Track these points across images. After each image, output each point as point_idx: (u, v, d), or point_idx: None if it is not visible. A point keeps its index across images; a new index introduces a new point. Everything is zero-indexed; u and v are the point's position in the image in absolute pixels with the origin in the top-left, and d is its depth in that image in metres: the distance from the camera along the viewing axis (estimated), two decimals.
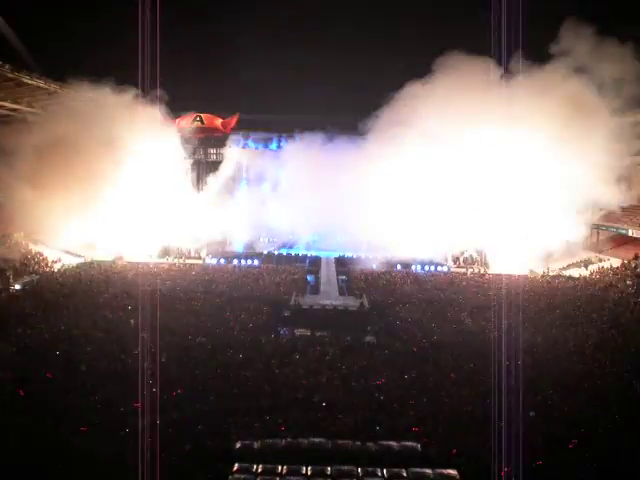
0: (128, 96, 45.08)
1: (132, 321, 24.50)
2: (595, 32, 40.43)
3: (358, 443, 14.21)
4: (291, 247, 59.15)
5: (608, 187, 41.51)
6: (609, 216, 48.98)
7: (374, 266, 49.38)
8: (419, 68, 46.25)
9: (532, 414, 15.81)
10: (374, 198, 49.20)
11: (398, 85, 46.45)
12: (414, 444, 14.27)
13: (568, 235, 43.73)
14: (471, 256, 50.59)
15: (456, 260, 50.39)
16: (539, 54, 41.70)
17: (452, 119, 43.64)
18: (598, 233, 52.21)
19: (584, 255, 48.31)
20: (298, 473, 12.83)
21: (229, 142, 59.12)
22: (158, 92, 36.21)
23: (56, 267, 43.40)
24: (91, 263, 44.84)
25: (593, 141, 41.22)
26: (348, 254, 55.04)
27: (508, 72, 41.61)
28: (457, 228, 45.40)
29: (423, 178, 46.45)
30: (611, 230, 50.51)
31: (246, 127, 59.36)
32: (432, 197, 46.74)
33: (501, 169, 43.42)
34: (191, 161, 59.52)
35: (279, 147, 61.28)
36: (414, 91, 45.60)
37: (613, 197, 42.74)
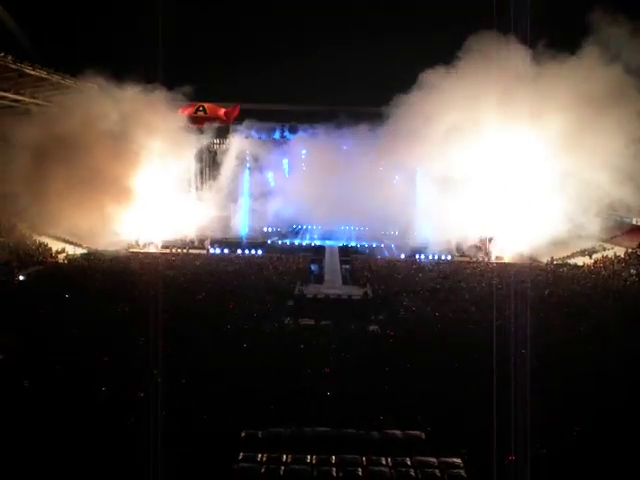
0: (135, 88, 45.24)
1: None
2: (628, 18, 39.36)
3: (362, 432, 14.23)
4: (295, 236, 59.20)
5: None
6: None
7: (384, 254, 49.71)
8: (440, 53, 45.72)
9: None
10: (387, 187, 49.37)
11: (417, 70, 45.67)
12: (418, 433, 14.30)
13: (574, 223, 43.48)
14: (477, 244, 50.34)
15: (460, 249, 50.24)
16: (569, 40, 41.45)
17: (476, 109, 43.36)
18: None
19: (589, 243, 48.16)
20: (302, 462, 12.85)
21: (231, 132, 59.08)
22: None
23: (60, 257, 43.52)
24: (95, 253, 44.88)
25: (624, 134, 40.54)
26: (352, 243, 55.19)
27: (536, 59, 41.46)
28: (466, 216, 45.32)
29: (439, 167, 46.33)
30: (615, 218, 50.27)
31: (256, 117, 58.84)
32: (446, 186, 46.83)
33: (517, 156, 43.41)
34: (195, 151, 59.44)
35: (282, 137, 61.17)
36: (436, 78, 45.06)
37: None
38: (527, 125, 41.44)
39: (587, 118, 41.08)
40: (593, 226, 43.03)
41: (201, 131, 54.68)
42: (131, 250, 47.02)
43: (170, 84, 46.67)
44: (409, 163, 51.00)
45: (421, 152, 46.01)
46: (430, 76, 44.81)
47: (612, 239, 47.18)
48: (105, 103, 44.35)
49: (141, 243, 49.40)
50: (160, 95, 46.20)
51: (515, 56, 41.19)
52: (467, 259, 48.35)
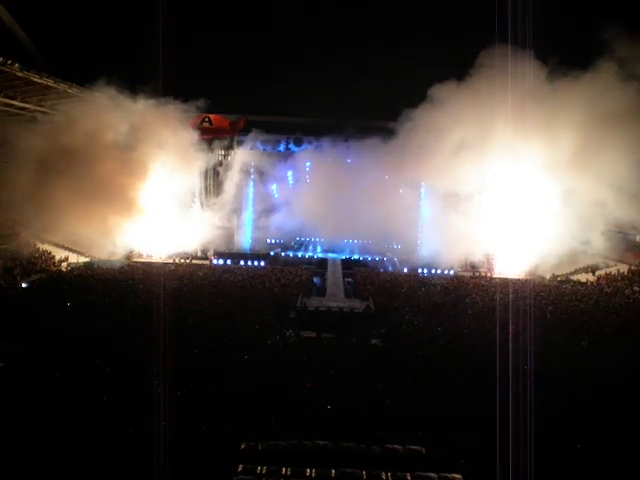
0: (146, 100, 45.45)
1: None
2: None
3: (363, 446, 14.18)
4: (298, 248, 59.32)
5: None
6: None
7: (387, 268, 49.78)
8: (451, 68, 45.76)
9: None
10: (391, 201, 49.45)
11: (427, 85, 45.54)
12: (419, 448, 14.24)
13: (578, 240, 43.36)
14: (481, 260, 50.23)
15: (464, 264, 50.17)
16: (581, 56, 41.25)
17: (486, 125, 43.27)
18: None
19: (592, 260, 48.04)
20: (302, 475, 12.81)
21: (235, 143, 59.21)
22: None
23: (63, 266, 43.60)
24: (98, 262, 44.94)
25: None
26: (355, 256, 55.28)
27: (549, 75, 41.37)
28: (470, 231, 45.28)
29: (446, 182, 46.36)
30: (619, 235, 50.14)
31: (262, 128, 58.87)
32: (451, 201, 46.90)
33: (523, 173, 43.39)
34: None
35: (287, 149, 61.27)
36: (446, 93, 44.99)
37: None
38: (537, 142, 41.44)
39: (598, 136, 40.88)
40: (597, 243, 42.89)
41: (208, 143, 54.78)
42: (135, 260, 47.04)
43: (178, 96, 46.80)
44: (416, 178, 51.10)
45: (428, 167, 46.01)
46: (440, 91, 44.78)
47: (615, 256, 46.96)
48: (113, 113, 44.42)
49: (145, 254, 49.41)
50: (170, 108, 46.32)
51: (527, 72, 40.96)
52: (470, 274, 48.27)
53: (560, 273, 46.49)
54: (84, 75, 45.57)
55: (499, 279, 45.02)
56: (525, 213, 44.45)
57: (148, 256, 49.23)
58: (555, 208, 43.55)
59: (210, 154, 55.97)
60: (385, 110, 50.32)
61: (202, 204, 56.43)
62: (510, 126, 40.92)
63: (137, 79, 44.11)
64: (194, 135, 50.47)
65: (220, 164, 58.78)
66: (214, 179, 58.92)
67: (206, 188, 58.82)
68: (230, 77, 57.65)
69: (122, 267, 43.67)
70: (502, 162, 43.74)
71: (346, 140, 54.23)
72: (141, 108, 45.76)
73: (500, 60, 39.95)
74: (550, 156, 42.45)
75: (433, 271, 49.00)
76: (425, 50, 51.44)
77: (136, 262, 46.44)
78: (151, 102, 45.56)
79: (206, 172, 58.31)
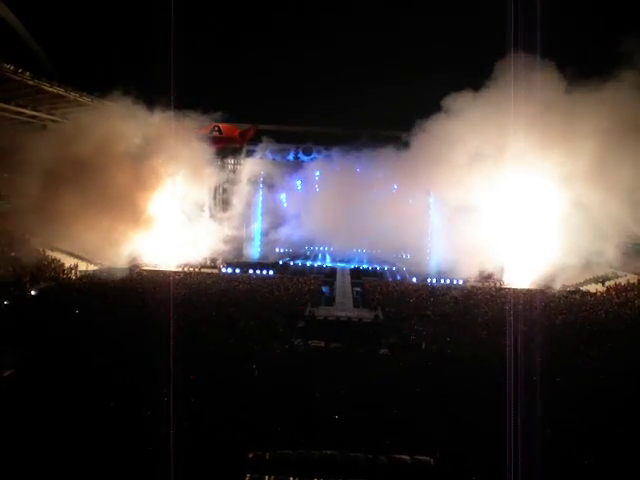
0: (153, 108, 45.65)
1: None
2: None
3: (370, 456, 14.12)
4: (307, 258, 59.33)
5: None
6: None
7: (396, 277, 49.78)
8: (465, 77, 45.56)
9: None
10: (400, 211, 49.45)
11: (441, 94, 45.40)
12: (427, 458, 14.16)
13: (590, 252, 43.01)
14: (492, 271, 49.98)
15: (473, 274, 49.99)
16: (600, 66, 40.38)
17: (501, 136, 42.84)
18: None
19: (602, 271, 47.72)
20: None
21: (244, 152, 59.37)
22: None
23: (72, 274, 43.69)
24: (107, 270, 45.02)
25: None
26: (364, 266, 55.25)
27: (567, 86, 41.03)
28: (480, 242, 45.08)
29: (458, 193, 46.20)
30: (629, 245, 49.81)
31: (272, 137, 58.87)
32: (461, 211, 46.75)
33: (536, 184, 43.18)
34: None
35: (296, 158, 61.31)
36: (461, 103, 44.76)
37: None
38: (553, 153, 41.17)
39: (616, 148, 40.47)
40: (610, 255, 42.47)
41: (219, 153, 54.90)
42: (144, 268, 47.09)
43: (190, 106, 46.98)
44: (428, 188, 51.00)
45: (441, 178, 45.91)
46: (455, 101, 44.61)
47: (630, 268, 46.57)
48: (124, 123, 44.59)
49: (153, 262, 49.46)
50: (181, 118, 46.51)
51: (544, 82, 40.56)
52: (480, 284, 48.05)
53: (570, 284, 46.22)
54: (94, 84, 45.93)
55: (509, 289, 44.81)
56: (536, 223, 44.28)
57: (157, 265, 49.27)
58: (567, 218, 43.28)
59: (220, 164, 56.13)
60: (398, 120, 50.37)
61: (211, 213, 56.53)
62: (526, 137, 40.78)
63: (147, 88, 44.31)
64: (204, 145, 50.55)
65: (229, 173, 58.92)
66: (223, 188, 59.04)
67: (215, 197, 58.93)
68: (242, 86, 57.83)
69: (131, 275, 43.71)
70: (516, 173, 43.44)
71: (358, 150, 54.15)
72: (152, 118, 45.97)
73: (516, 70, 39.68)
74: (565, 168, 42.15)
75: (442, 281, 48.82)
76: (439, 59, 51.58)
77: (145, 270, 46.47)
78: (162, 111, 45.78)
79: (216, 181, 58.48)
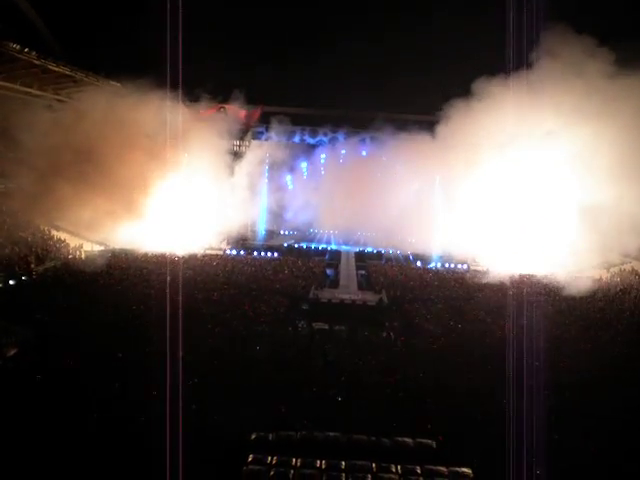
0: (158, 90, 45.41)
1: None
2: None
3: (373, 438, 14.19)
4: (311, 241, 59.30)
5: None
6: None
7: (401, 261, 49.74)
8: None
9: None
10: (406, 195, 49.32)
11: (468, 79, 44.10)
12: (429, 441, 14.23)
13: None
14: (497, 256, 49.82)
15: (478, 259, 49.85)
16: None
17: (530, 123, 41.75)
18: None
19: (607, 257, 47.46)
20: (312, 466, 12.84)
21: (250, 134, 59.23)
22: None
23: (78, 254, 43.75)
24: (113, 251, 45.10)
25: None
26: (369, 249, 55.21)
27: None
28: (486, 227, 44.84)
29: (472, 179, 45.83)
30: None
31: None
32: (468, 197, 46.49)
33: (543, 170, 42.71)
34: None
35: (302, 140, 61.13)
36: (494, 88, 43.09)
37: None
38: (580, 142, 40.32)
39: None
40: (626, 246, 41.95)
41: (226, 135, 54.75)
42: (148, 249, 47.05)
43: (196, 87, 46.85)
44: (438, 172, 50.61)
45: (455, 163, 45.56)
46: (484, 85, 43.75)
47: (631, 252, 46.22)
48: (133, 104, 44.33)
49: (159, 244, 49.43)
50: (190, 102, 46.40)
51: (588, 65, 39.19)
52: (483, 269, 47.91)
53: (574, 270, 45.99)
54: (100, 64, 45.75)
55: (513, 274, 44.70)
56: (544, 211, 43.92)
57: (162, 247, 49.26)
58: (586, 209, 42.72)
59: (225, 145, 55.94)
60: (419, 104, 50.13)
61: (216, 195, 56.43)
62: (555, 124, 40.16)
63: (153, 69, 44.02)
64: (210, 126, 50.36)
65: (234, 155, 58.73)
66: (229, 170, 58.91)
67: (220, 179, 58.80)
68: (252, 67, 57.42)
69: (136, 256, 43.75)
70: (536, 162, 42.83)
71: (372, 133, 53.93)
72: (159, 99, 45.73)
73: (559, 53, 38.58)
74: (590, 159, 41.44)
75: (447, 265, 48.81)
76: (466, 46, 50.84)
77: (150, 251, 46.45)
78: (169, 92, 45.57)
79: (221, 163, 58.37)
